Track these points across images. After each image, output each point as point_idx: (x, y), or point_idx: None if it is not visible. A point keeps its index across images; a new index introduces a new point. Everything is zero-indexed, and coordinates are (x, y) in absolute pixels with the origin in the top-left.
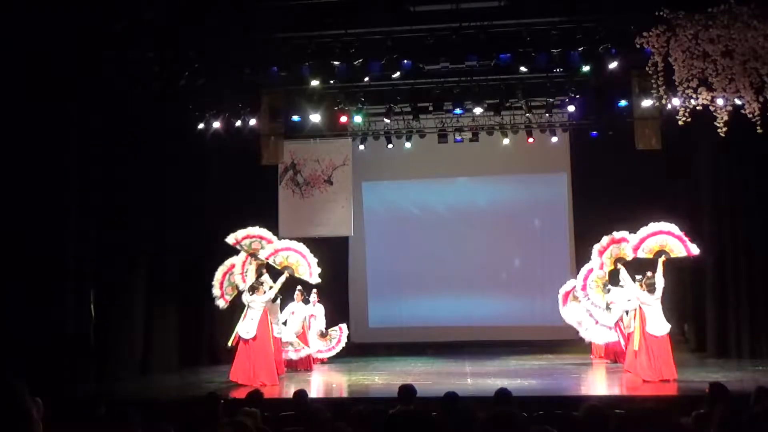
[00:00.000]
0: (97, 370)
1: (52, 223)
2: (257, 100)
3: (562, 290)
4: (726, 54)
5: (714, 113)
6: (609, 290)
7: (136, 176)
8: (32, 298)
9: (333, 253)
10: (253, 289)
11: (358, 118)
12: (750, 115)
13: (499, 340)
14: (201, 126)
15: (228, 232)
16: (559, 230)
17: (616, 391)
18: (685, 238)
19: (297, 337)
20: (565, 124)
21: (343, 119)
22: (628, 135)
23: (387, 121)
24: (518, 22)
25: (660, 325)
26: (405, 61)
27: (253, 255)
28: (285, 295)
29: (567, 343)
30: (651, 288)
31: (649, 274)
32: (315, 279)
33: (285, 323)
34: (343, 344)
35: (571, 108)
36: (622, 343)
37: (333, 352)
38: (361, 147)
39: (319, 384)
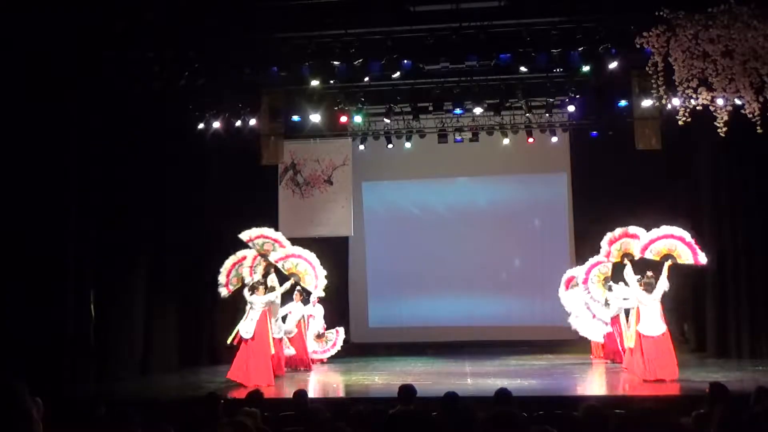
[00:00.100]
0: (97, 370)
1: (52, 223)
2: (257, 100)
3: (567, 275)
4: (726, 54)
5: (714, 113)
6: (610, 287)
7: (136, 176)
8: (32, 298)
9: (333, 253)
10: (253, 288)
11: (358, 118)
12: (750, 115)
13: (499, 340)
14: (201, 126)
15: (228, 232)
16: (559, 230)
17: (615, 391)
18: (696, 247)
19: (289, 337)
20: (565, 124)
21: (343, 119)
22: (628, 135)
23: (387, 121)
24: (518, 22)
25: (653, 326)
26: (405, 61)
27: (263, 255)
28: (284, 293)
29: (567, 343)
30: (648, 287)
31: (649, 273)
32: (319, 292)
33: (282, 320)
34: (338, 347)
35: (571, 108)
36: (619, 342)
37: (327, 354)
38: (361, 147)
39: (319, 384)
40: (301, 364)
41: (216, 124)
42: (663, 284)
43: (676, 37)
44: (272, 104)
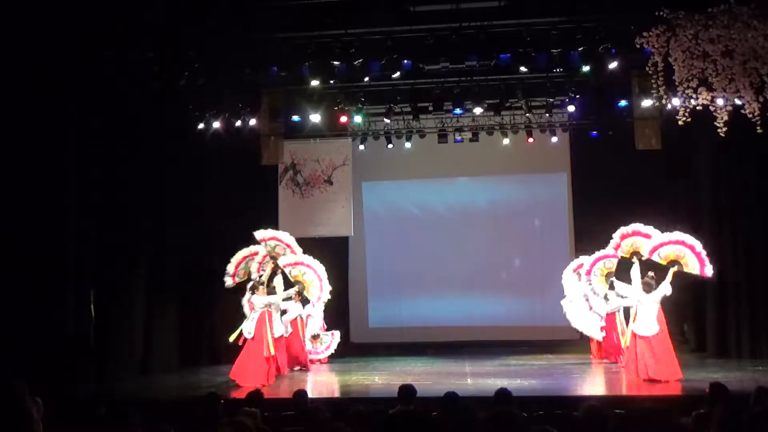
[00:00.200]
0: (97, 370)
1: (52, 223)
2: (257, 100)
3: (575, 263)
4: (726, 54)
5: (714, 113)
6: (611, 283)
7: (136, 176)
8: (32, 298)
9: (333, 253)
10: (253, 288)
11: (358, 118)
12: (750, 115)
13: (499, 340)
14: (201, 126)
15: (228, 232)
16: (559, 230)
17: (615, 391)
18: (705, 259)
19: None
20: (565, 124)
21: (343, 119)
22: (628, 135)
23: (387, 121)
24: (518, 22)
25: (646, 326)
26: (405, 61)
27: (273, 257)
28: None
29: (567, 343)
30: (647, 287)
31: (650, 274)
32: (319, 306)
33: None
34: (332, 350)
35: (571, 108)
36: (616, 340)
37: (321, 356)
38: (361, 147)
39: (318, 384)
40: (298, 363)
41: (216, 124)
42: (665, 288)
43: (676, 37)
44: (272, 104)
